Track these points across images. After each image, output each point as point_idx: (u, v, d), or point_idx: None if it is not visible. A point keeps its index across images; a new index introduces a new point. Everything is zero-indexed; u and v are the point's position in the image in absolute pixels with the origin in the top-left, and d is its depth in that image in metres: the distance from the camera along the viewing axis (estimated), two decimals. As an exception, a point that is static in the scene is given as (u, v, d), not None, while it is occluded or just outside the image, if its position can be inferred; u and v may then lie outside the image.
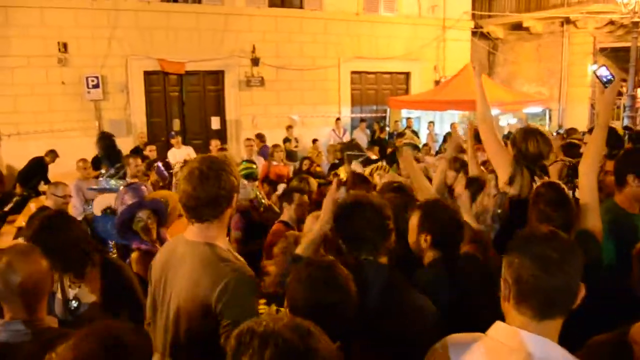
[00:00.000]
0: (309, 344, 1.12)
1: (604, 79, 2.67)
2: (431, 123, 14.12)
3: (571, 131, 8.70)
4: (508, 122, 13.69)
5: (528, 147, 3.05)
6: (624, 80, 11.66)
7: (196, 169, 1.93)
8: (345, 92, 14.60)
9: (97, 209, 4.25)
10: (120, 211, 3.41)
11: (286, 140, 11.97)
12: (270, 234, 3.94)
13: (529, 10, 15.79)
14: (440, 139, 12.67)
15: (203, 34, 12.56)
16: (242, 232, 4.50)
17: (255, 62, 13.08)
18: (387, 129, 14.16)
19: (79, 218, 5.22)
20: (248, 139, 8.91)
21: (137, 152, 8.70)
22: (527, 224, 2.59)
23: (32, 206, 6.73)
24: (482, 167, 4.13)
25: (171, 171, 6.49)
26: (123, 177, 5.60)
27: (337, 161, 8.27)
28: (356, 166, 6.17)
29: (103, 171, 5.95)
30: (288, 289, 1.73)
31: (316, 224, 2.32)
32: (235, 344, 1.14)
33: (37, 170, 9.44)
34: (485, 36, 16.81)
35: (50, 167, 9.55)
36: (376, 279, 1.96)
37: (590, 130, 5.72)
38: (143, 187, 3.69)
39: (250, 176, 5.13)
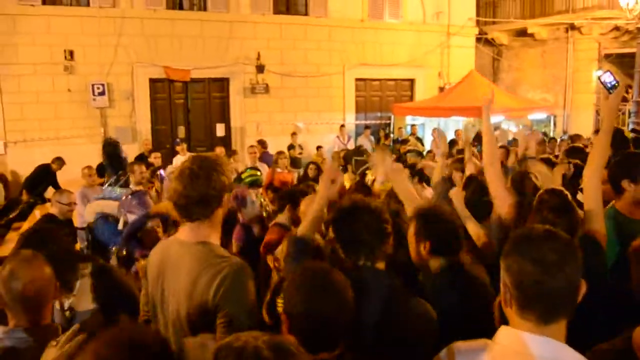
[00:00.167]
0: None
1: (609, 85, 2.65)
2: (435, 130, 14.05)
3: (576, 137, 8.73)
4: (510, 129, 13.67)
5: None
6: (629, 87, 11.60)
7: (187, 168, 1.97)
8: (349, 99, 14.61)
9: (88, 215, 4.30)
10: (131, 221, 3.53)
11: (290, 147, 11.99)
12: (267, 234, 3.97)
13: (534, 16, 15.73)
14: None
15: (208, 41, 12.62)
16: (243, 243, 4.51)
17: (260, 69, 13.11)
18: (392, 135, 14.16)
19: (84, 226, 5.24)
20: (251, 146, 8.96)
21: (141, 159, 8.72)
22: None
23: (37, 213, 6.75)
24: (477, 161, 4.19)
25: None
26: (125, 185, 5.58)
27: (340, 167, 8.27)
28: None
29: (106, 179, 5.95)
30: (285, 293, 1.72)
31: (312, 204, 2.35)
32: (213, 359, 1.15)
33: (43, 177, 9.48)
34: (489, 42, 16.79)
35: (57, 174, 9.58)
36: (375, 286, 1.95)
37: (596, 132, 5.71)
38: (147, 196, 3.78)
39: (254, 183, 5.16)
